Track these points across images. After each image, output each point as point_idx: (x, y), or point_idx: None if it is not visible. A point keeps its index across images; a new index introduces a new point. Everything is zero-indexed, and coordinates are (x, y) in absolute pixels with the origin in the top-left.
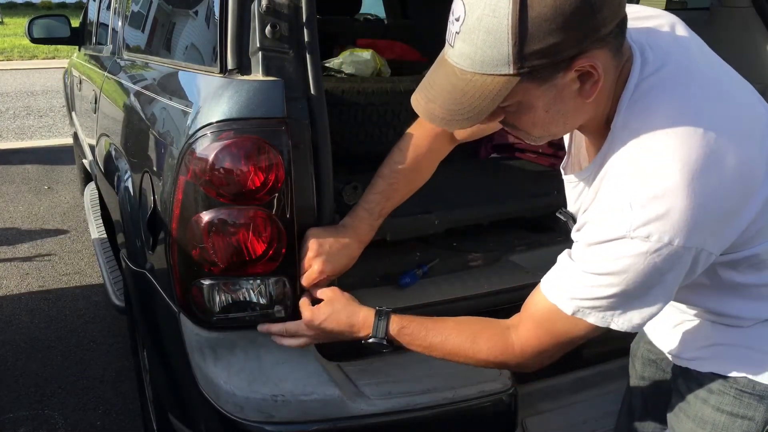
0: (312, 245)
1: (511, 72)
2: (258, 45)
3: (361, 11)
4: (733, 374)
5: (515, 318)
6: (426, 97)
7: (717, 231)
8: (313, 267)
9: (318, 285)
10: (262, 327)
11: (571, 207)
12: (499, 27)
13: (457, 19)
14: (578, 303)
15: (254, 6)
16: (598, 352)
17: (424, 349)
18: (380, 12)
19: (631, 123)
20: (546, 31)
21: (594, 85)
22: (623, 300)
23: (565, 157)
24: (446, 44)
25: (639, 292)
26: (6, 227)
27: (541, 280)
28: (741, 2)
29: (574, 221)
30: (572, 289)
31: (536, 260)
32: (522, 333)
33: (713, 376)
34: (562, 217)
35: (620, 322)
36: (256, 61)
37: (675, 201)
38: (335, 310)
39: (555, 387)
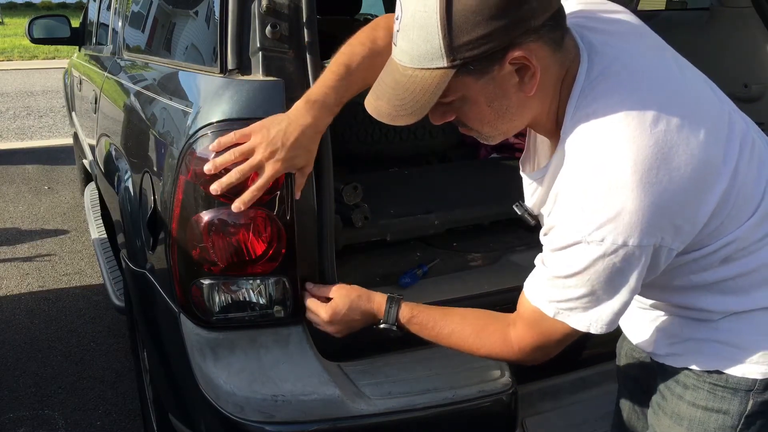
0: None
1: (446, 65)
2: (258, 45)
3: (361, 11)
4: (706, 368)
5: (514, 314)
6: (375, 96)
7: (673, 227)
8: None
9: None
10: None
11: (527, 201)
12: (430, 21)
13: (397, 19)
14: (556, 305)
15: (254, 6)
16: (598, 352)
17: (431, 338)
18: (380, 12)
19: (579, 127)
20: (473, 23)
21: (532, 79)
22: (593, 301)
23: (524, 154)
24: (392, 45)
25: (606, 291)
26: (6, 227)
27: (525, 282)
28: (741, 2)
29: (530, 214)
30: (548, 292)
31: None
32: (518, 331)
33: (687, 372)
34: (517, 210)
35: (597, 326)
36: (257, 61)
37: (625, 202)
38: (352, 300)
39: (555, 387)
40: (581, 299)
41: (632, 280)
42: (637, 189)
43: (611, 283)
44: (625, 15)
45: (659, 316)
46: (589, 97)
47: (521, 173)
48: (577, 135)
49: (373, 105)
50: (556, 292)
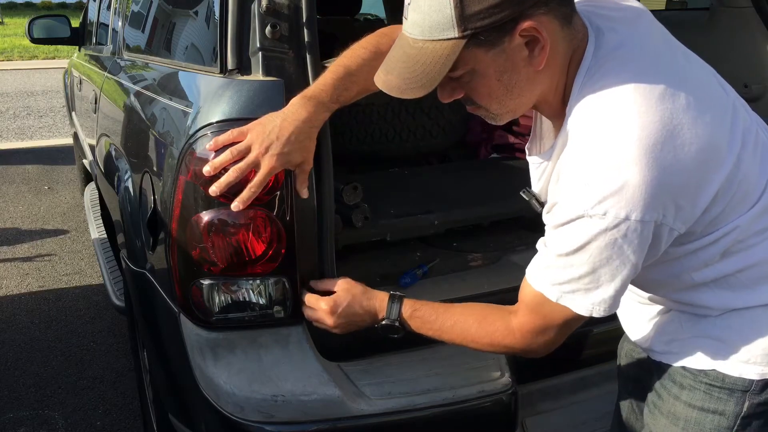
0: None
1: (457, 35)
2: (258, 45)
3: (361, 11)
4: (703, 367)
5: (517, 303)
6: (385, 70)
7: (676, 205)
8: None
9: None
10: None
11: (534, 187)
12: None
13: None
14: (559, 288)
15: (254, 6)
16: (598, 352)
17: (434, 333)
18: (380, 12)
19: (585, 103)
20: None
21: (542, 52)
22: (595, 281)
23: (530, 138)
24: (403, 19)
25: (607, 270)
26: (6, 227)
27: (527, 268)
28: (741, 2)
29: (537, 201)
30: (550, 274)
31: None
32: (520, 318)
33: (684, 372)
34: (525, 197)
35: (599, 309)
36: (256, 61)
37: (628, 175)
38: (354, 295)
39: (555, 387)
40: (582, 279)
41: (633, 258)
42: (641, 163)
43: (612, 261)
44: (632, 2)
45: (659, 313)
46: (596, 75)
47: (527, 158)
48: (582, 111)
49: (382, 79)
50: (558, 274)
